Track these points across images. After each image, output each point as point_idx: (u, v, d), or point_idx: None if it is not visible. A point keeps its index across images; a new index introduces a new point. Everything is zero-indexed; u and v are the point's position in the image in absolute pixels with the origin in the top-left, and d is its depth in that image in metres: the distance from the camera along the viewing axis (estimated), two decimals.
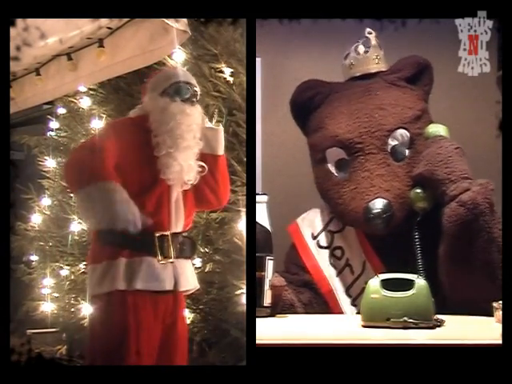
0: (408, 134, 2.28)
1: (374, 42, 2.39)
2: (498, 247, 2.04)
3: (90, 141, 2.52)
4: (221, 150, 2.45)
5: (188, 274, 2.36)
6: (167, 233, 2.29)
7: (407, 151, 2.28)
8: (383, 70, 2.40)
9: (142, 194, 2.27)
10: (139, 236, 2.25)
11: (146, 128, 2.33)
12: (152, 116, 2.35)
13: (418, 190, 2.22)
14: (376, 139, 2.27)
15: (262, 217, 2.14)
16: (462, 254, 2.05)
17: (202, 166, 2.36)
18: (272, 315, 2.13)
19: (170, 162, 2.29)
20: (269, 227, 2.15)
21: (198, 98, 2.44)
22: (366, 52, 2.39)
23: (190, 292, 2.44)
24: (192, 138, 2.35)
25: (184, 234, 2.37)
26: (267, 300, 2.11)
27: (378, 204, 2.19)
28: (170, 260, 2.28)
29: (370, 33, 2.40)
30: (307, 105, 2.43)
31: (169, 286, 2.27)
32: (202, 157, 2.38)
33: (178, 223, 2.33)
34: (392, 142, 2.28)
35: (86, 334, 2.36)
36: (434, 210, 2.17)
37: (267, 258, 2.12)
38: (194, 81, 2.45)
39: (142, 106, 2.45)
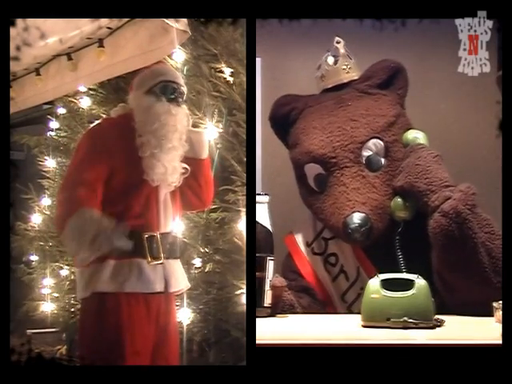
0: (382, 143, 2.26)
1: (342, 50, 2.38)
2: (487, 250, 2.04)
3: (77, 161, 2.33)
4: (204, 154, 2.43)
5: (178, 274, 2.34)
6: (156, 233, 2.26)
7: (383, 160, 2.26)
8: (355, 78, 2.37)
9: (129, 195, 2.24)
10: (127, 238, 2.22)
11: (131, 127, 2.29)
12: (136, 115, 2.32)
13: (399, 200, 2.21)
14: (349, 152, 2.24)
15: (263, 217, 2.14)
16: (453, 262, 2.05)
17: (185, 169, 2.33)
18: (272, 315, 2.13)
19: (153, 162, 2.26)
20: (270, 227, 2.15)
21: (185, 98, 2.41)
22: (335, 63, 2.37)
23: (182, 292, 2.44)
24: (177, 140, 2.31)
25: (173, 234, 2.35)
26: (267, 300, 2.11)
27: (356, 218, 2.17)
28: (160, 261, 2.26)
29: (338, 42, 2.38)
30: (284, 121, 2.43)
31: (159, 288, 2.26)
32: (186, 160, 2.35)
33: (167, 223, 2.31)
34: (366, 153, 2.25)
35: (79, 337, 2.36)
36: (421, 216, 2.16)
37: (268, 258, 2.11)
38: (181, 80, 2.41)
39: (126, 105, 2.41)
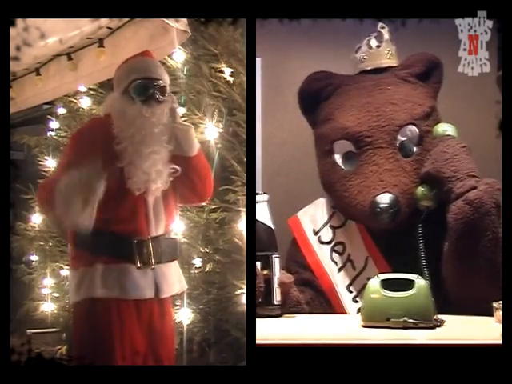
0: (417, 131, 2.28)
1: (386, 36, 2.39)
2: None
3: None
4: (192, 151, 2.27)
5: (172, 279, 2.29)
6: (146, 238, 2.20)
7: (415, 148, 2.28)
8: (394, 65, 2.40)
9: (115, 201, 2.17)
10: (116, 242, 2.17)
11: (111, 132, 2.18)
12: (114, 120, 2.20)
13: (424, 188, 2.22)
14: (386, 134, 2.26)
15: (264, 215, 2.14)
16: (466, 252, 2.05)
17: (174, 169, 2.22)
18: (281, 314, 2.12)
19: (133, 171, 2.15)
20: (272, 225, 2.15)
21: (166, 91, 2.25)
22: (378, 46, 2.39)
23: (177, 294, 2.40)
24: (157, 142, 2.19)
25: (166, 236, 2.29)
26: (277, 298, 2.10)
27: (385, 198, 2.18)
28: (151, 266, 2.20)
29: (382, 27, 2.39)
30: (317, 95, 2.42)
31: (149, 294, 2.21)
32: (174, 158, 2.23)
33: (159, 226, 2.24)
34: (401, 138, 2.27)
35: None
36: (440, 207, 2.17)
37: (273, 256, 2.12)
38: (159, 73, 2.25)
39: (105, 105, 2.32)
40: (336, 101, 2.38)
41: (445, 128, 2.28)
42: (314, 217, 2.44)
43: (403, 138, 2.28)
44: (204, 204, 2.91)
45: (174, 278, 2.31)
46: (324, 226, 2.41)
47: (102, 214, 2.16)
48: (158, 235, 2.25)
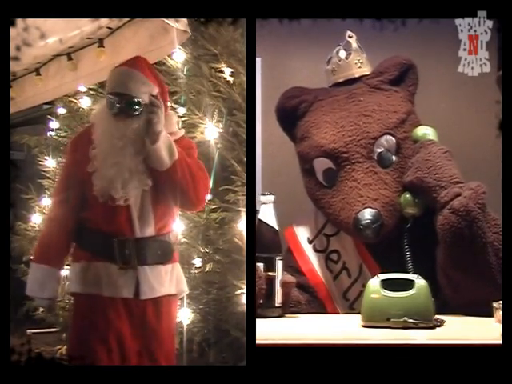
0: (394, 140, 2.25)
1: (354, 45, 2.35)
2: (495, 251, 2.03)
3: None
4: (163, 166, 2.23)
5: (159, 281, 2.29)
6: (128, 238, 2.24)
7: (394, 157, 2.25)
8: (366, 73, 2.36)
9: (97, 201, 2.24)
10: (98, 240, 2.25)
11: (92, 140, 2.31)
12: (94, 127, 2.33)
13: (408, 196, 2.21)
14: (361, 148, 2.23)
15: (270, 217, 2.15)
16: (459, 260, 2.05)
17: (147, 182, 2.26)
18: (283, 315, 2.13)
19: (97, 178, 2.23)
20: (276, 227, 2.15)
21: (140, 109, 2.23)
22: (347, 57, 2.35)
23: (182, 296, 2.45)
24: (120, 156, 2.23)
25: (156, 238, 2.29)
26: (278, 300, 2.11)
27: (367, 214, 2.16)
28: (131, 267, 2.24)
29: (350, 36, 2.35)
30: (292, 114, 2.39)
31: (127, 294, 2.23)
32: (151, 171, 2.25)
33: (145, 228, 2.26)
34: (378, 149, 2.25)
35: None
36: (428, 213, 2.16)
37: (277, 258, 2.12)
38: (130, 88, 2.23)
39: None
40: (311, 118, 2.35)
41: (425, 131, 2.26)
42: (309, 226, 2.42)
43: (380, 150, 2.25)
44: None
45: (161, 281, 2.30)
46: (318, 234, 2.40)
47: (87, 212, 2.28)
48: (145, 237, 2.26)
